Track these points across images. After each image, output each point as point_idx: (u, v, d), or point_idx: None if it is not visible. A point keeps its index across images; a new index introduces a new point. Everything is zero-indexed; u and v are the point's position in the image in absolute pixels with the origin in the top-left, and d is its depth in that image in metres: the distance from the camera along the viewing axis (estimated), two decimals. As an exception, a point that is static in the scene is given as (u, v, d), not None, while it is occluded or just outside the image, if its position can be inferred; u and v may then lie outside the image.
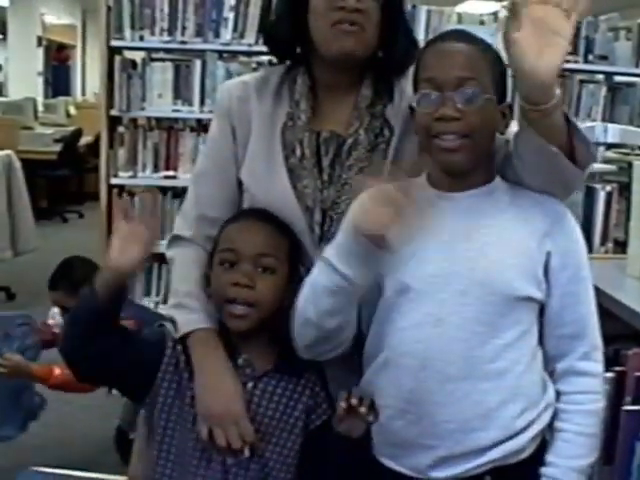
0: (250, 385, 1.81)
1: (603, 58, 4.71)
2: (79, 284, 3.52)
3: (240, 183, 1.94)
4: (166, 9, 4.51)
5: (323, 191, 1.85)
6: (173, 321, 1.85)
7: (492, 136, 1.68)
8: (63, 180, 10.21)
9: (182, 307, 1.86)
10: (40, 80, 13.82)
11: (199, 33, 4.54)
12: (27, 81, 13.11)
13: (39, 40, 13.70)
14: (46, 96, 13.67)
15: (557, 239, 1.67)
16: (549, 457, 1.70)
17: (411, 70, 1.82)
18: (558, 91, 1.53)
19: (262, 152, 1.89)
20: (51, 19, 14.26)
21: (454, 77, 1.60)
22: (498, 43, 1.60)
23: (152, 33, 4.54)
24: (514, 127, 1.68)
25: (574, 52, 4.66)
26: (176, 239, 1.98)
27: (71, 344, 1.78)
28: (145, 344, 1.86)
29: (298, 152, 1.87)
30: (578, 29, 4.65)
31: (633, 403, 1.90)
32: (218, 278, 1.82)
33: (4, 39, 13.67)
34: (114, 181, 4.59)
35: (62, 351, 1.81)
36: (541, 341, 1.72)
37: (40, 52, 13.85)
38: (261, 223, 1.83)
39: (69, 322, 1.84)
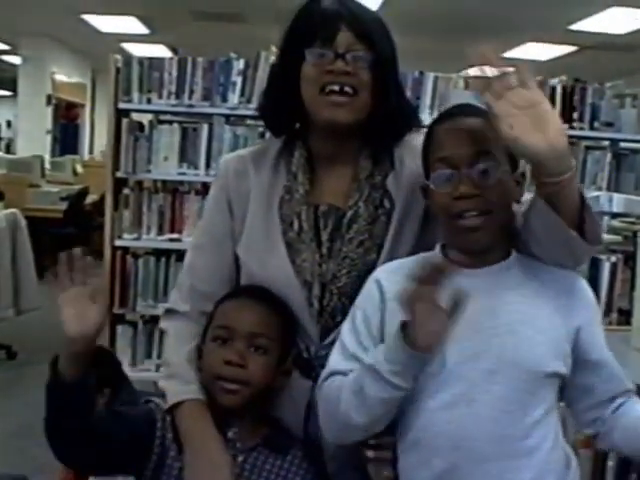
0: (240, 459, 1.79)
1: (609, 125, 4.73)
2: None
3: (237, 257, 1.92)
4: (174, 72, 4.55)
5: (322, 265, 1.83)
6: (162, 395, 1.84)
7: (510, 208, 1.67)
8: (69, 238, 10.21)
9: (172, 379, 1.86)
10: (48, 138, 13.91)
11: (207, 97, 4.57)
12: (36, 139, 13.22)
13: (49, 98, 13.82)
14: (54, 154, 13.75)
15: (582, 313, 1.67)
16: None
17: (408, 139, 1.83)
18: (574, 161, 1.52)
19: (260, 226, 1.88)
20: (61, 78, 14.39)
21: (469, 153, 1.60)
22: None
23: (160, 96, 4.57)
24: (527, 196, 1.67)
25: (580, 119, 4.70)
26: (170, 312, 1.97)
27: (55, 433, 1.68)
28: (133, 421, 1.78)
29: (296, 226, 1.85)
30: (584, 96, 4.69)
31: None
32: (211, 354, 1.82)
33: (14, 96, 13.79)
34: (118, 243, 4.60)
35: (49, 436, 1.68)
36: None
37: (49, 110, 13.96)
38: (257, 302, 1.82)
39: (49, 418, 1.67)
